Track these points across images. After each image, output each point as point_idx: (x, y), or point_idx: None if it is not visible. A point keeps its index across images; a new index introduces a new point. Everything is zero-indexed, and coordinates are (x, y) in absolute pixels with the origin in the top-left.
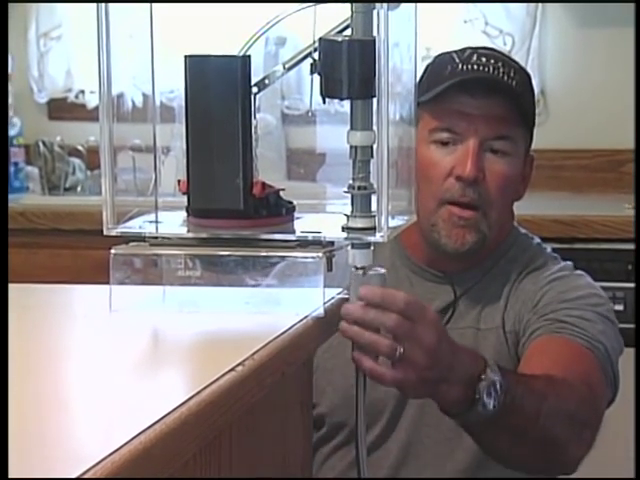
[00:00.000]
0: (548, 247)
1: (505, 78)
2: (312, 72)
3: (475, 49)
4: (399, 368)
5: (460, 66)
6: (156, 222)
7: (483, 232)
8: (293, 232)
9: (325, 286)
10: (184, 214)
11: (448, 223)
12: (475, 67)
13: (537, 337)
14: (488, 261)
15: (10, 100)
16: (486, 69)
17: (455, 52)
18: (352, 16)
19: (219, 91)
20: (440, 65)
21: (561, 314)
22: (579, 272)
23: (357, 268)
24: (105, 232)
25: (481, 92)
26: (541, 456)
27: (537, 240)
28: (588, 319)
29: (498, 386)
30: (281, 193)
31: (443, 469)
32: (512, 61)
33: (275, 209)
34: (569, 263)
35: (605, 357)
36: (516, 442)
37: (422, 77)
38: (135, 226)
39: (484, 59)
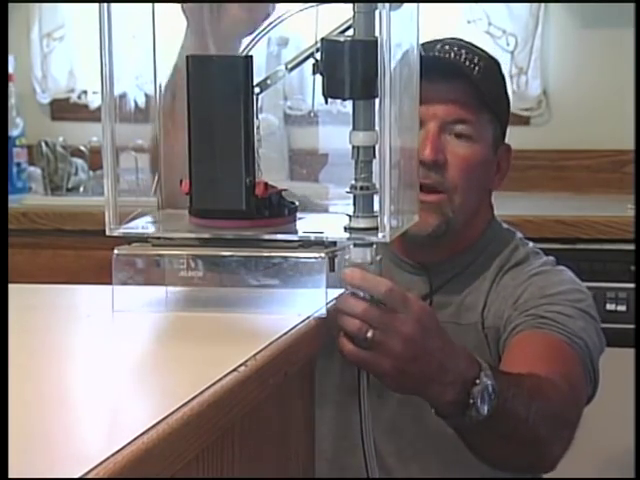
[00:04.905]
0: (530, 242)
1: (467, 63)
2: (314, 72)
3: (442, 40)
4: (369, 351)
5: (422, 54)
6: (159, 222)
7: (446, 215)
8: (295, 232)
9: (328, 286)
10: (186, 214)
11: None
12: (436, 54)
13: (518, 333)
14: (467, 254)
15: (13, 101)
16: (447, 55)
17: (423, 44)
18: (354, 16)
19: (221, 91)
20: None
21: (542, 309)
22: (561, 267)
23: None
24: (107, 232)
25: (438, 77)
26: (525, 456)
27: (519, 235)
28: (569, 315)
29: (491, 390)
30: (283, 193)
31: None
32: (479, 50)
33: (277, 209)
34: (551, 258)
35: (585, 353)
36: (505, 443)
37: None
38: (137, 226)
39: (447, 47)
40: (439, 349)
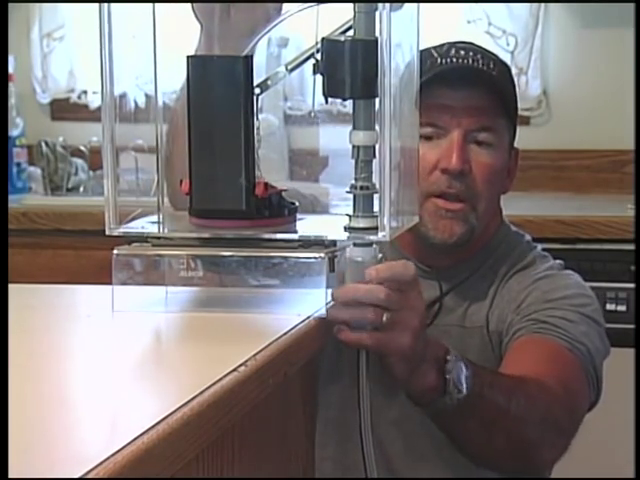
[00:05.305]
0: (538, 245)
1: (484, 68)
2: (315, 72)
3: (453, 43)
4: (385, 332)
5: (439, 60)
6: (158, 222)
7: (471, 223)
8: (295, 232)
9: (328, 287)
10: (186, 214)
11: (434, 216)
12: (454, 60)
13: (518, 337)
14: (477, 258)
15: (13, 101)
16: (465, 61)
17: (433, 47)
18: (355, 16)
19: (221, 92)
20: (419, 61)
21: (543, 314)
22: (567, 271)
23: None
24: (107, 232)
25: (461, 84)
26: (511, 456)
27: (527, 238)
28: (571, 320)
29: (463, 366)
30: (291, 193)
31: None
32: (491, 54)
33: (277, 209)
34: (558, 262)
35: (587, 359)
36: (488, 436)
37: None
38: (137, 226)
39: (462, 52)
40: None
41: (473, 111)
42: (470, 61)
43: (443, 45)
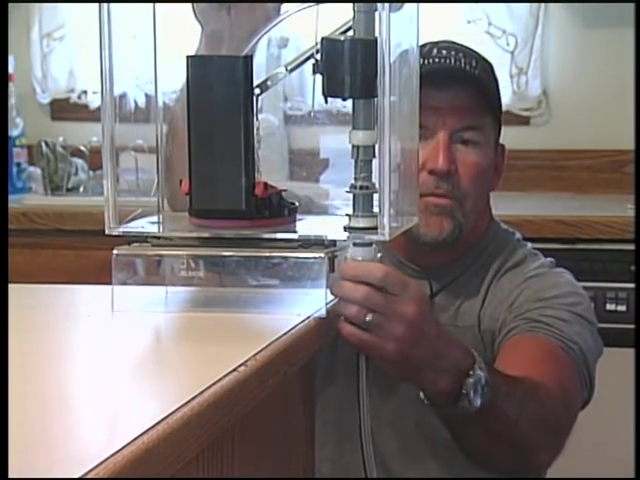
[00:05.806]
0: (529, 243)
1: (467, 68)
2: (314, 72)
3: (435, 43)
4: (371, 334)
5: (421, 61)
6: (158, 222)
7: (458, 220)
8: (295, 232)
9: (327, 287)
10: (186, 215)
11: (425, 213)
12: (437, 60)
13: (512, 336)
14: (467, 256)
15: (13, 101)
16: (447, 61)
17: None
18: (354, 16)
19: (221, 92)
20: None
21: (536, 313)
22: (558, 269)
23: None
24: (107, 232)
25: (445, 83)
26: (513, 459)
27: (517, 236)
28: (564, 319)
29: (484, 383)
30: (286, 194)
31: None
32: (473, 52)
33: (277, 209)
34: (549, 259)
35: (580, 358)
36: (493, 442)
37: None
38: (137, 226)
39: (444, 51)
40: (435, 335)
41: (458, 111)
42: (452, 60)
43: (425, 45)
